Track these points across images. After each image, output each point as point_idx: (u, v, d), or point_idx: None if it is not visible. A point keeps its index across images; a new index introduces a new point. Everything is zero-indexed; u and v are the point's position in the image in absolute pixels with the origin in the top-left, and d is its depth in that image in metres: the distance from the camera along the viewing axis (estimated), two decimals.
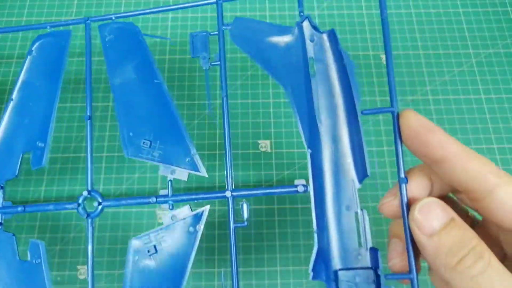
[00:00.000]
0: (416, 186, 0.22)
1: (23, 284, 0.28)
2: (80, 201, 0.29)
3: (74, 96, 0.45)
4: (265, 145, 0.42)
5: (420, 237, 0.20)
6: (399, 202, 0.22)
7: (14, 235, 0.29)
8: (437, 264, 0.20)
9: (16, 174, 0.30)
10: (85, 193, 0.29)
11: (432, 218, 0.20)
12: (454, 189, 0.22)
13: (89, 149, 0.30)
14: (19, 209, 0.29)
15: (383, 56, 0.45)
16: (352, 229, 0.24)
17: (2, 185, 0.31)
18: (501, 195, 0.19)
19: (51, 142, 0.30)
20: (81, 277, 0.37)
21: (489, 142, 0.41)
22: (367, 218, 0.24)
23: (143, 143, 0.29)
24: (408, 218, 0.21)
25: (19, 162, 0.30)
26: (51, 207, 0.29)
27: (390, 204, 0.22)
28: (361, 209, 0.24)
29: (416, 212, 0.20)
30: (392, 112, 0.23)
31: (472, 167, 0.20)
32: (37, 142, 0.30)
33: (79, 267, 0.37)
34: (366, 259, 0.23)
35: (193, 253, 0.27)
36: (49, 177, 0.41)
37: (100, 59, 0.40)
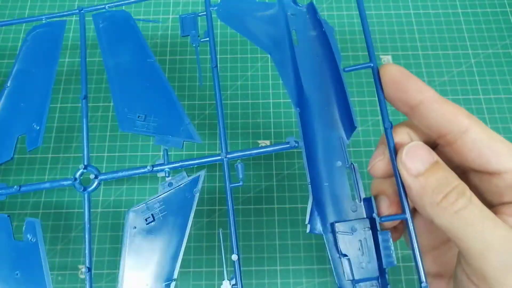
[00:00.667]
0: (400, 139, 0.23)
1: (18, 264, 0.28)
2: (76, 175, 0.29)
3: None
4: (265, 145, 0.42)
5: (407, 178, 0.21)
6: (388, 160, 0.23)
7: (9, 216, 0.29)
8: (423, 203, 0.21)
9: (12, 156, 0.30)
10: (81, 167, 0.29)
11: (418, 160, 0.21)
12: (433, 145, 0.23)
13: (85, 126, 0.30)
14: (14, 189, 0.29)
15: (383, 57, 0.46)
16: (344, 183, 0.25)
17: None
18: (473, 135, 0.21)
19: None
20: (82, 276, 0.37)
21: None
22: (358, 172, 0.24)
23: (138, 117, 0.29)
24: (396, 161, 0.22)
25: (14, 144, 0.30)
26: (47, 185, 0.29)
27: (381, 163, 0.23)
28: (352, 163, 0.25)
29: (404, 155, 0.22)
30: (372, 67, 0.24)
31: (446, 110, 0.21)
32: (33, 124, 0.30)
33: (80, 266, 0.38)
34: (361, 211, 0.24)
35: (191, 217, 0.27)
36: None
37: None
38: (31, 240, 0.28)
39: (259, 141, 0.42)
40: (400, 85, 0.22)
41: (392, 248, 0.23)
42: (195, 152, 0.42)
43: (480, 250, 0.19)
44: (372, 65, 0.25)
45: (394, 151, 0.23)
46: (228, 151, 0.28)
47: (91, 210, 0.28)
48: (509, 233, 0.19)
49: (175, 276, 0.26)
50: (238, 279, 0.25)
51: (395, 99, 0.23)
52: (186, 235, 0.27)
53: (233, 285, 0.25)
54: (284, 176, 0.41)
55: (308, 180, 0.25)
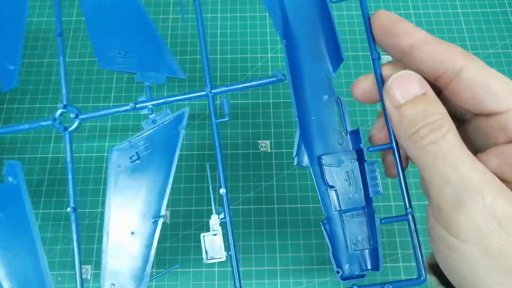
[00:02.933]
0: (392, 70, 0.22)
1: (1, 206, 0.27)
2: (56, 115, 0.28)
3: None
4: (265, 145, 0.42)
5: (389, 107, 0.21)
6: (372, 81, 0.23)
7: None
8: (398, 133, 0.21)
9: None
10: (61, 107, 0.28)
11: (402, 90, 0.21)
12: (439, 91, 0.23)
13: (62, 65, 0.28)
14: None
15: (383, 57, 0.46)
16: (331, 117, 0.25)
17: None
18: (467, 74, 0.20)
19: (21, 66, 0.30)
20: (82, 276, 0.37)
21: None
22: (345, 104, 0.24)
23: (118, 54, 0.28)
24: (384, 88, 0.22)
25: None
26: (25, 126, 0.28)
27: (363, 83, 0.23)
28: (338, 97, 0.25)
29: (388, 83, 0.21)
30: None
31: (439, 50, 0.20)
32: (7, 64, 0.29)
33: None
34: (347, 144, 0.25)
35: (177, 154, 0.27)
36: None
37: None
38: (12, 182, 0.27)
39: (259, 141, 0.42)
40: (389, 30, 0.22)
41: (379, 178, 0.23)
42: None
43: (438, 185, 0.19)
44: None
45: (381, 81, 0.23)
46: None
47: (72, 150, 0.27)
48: (473, 172, 0.19)
49: (163, 213, 0.26)
50: (227, 212, 0.25)
51: (386, 45, 0.22)
52: (172, 172, 0.26)
53: (221, 219, 0.25)
54: (284, 176, 0.41)
55: (295, 113, 0.25)
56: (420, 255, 0.22)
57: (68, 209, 0.26)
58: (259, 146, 0.42)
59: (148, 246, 0.27)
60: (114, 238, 0.27)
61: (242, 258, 0.38)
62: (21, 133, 0.42)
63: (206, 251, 0.25)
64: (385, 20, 0.22)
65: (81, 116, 0.28)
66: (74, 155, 0.27)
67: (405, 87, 0.21)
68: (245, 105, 0.44)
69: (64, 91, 0.28)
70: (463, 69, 0.20)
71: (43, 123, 0.28)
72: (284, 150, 0.41)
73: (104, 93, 0.43)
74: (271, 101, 0.44)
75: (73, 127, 0.28)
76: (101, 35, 0.29)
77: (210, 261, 0.25)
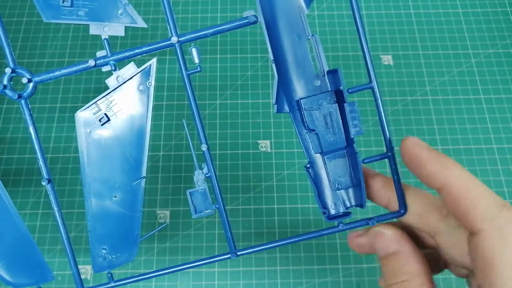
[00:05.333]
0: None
1: None
2: (5, 82, 0.24)
3: None
4: (265, 145, 0.42)
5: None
6: (366, 240, 0.24)
7: None
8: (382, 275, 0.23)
9: None
10: (8, 71, 0.24)
11: (381, 244, 0.23)
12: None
13: None
14: None
15: (383, 56, 0.46)
16: (306, 57, 0.24)
17: None
18: (483, 243, 0.19)
19: None
20: (82, 276, 0.37)
21: (488, 142, 0.41)
22: (320, 43, 0.23)
23: (63, 2, 0.24)
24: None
25: None
26: None
27: (358, 240, 0.24)
28: (312, 35, 0.24)
29: (370, 234, 0.23)
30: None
31: (461, 209, 0.20)
32: None
33: (80, 266, 0.37)
34: (325, 84, 0.24)
35: (150, 111, 0.25)
36: None
37: None
38: None
39: (259, 141, 0.42)
40: (417, 162, 0.22)
41: (360, 118, 0.23)
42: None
43: None
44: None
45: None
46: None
47: (33, 118, 0.25)
48: None
49: (144, 173, 0.25)
50: (210, 167, 0.25)
51: (413, 172, 0.23)
52: (147, 130, 0.25)
53: (205, 174, 0.25)
54: (284, 176, 0.41)
55: (271, 58, 0.24)
56: (400, 190, 0.23)
57: (43, 183, 0.25)
58: (259, 146, 0.42)
59: (134, 208, 0.26)
60: (97, 203, 0.26)
61: (242, 258, 0.38)
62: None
63: (194, 207, 0.25)
64: (410, 158, 0.22)
65: (35, 79, 0.25)
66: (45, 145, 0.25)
67: (380, 243, 0.23)
68: (245, 105, 0.43)
69: (7, 50, 0.24)
70: (478, 235, 0.19)
71: None
72: (284, 150, 0.41)
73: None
74: (271, 101, 0.44)
75: (27, 92, 0.25)
76: None
77: (198, 216, 0.25)
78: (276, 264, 0.38)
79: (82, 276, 0.37)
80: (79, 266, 0.37)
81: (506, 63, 0.45)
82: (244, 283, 0.37)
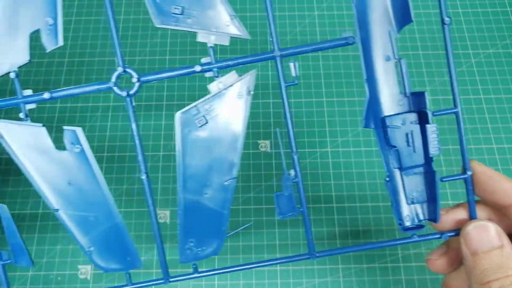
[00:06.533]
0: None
1: (69, 174, 0.26)
2: (113, 79, 0.26)
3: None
4: (265, 145, 0.42)
5: (465, 251, 0.23)
6: (444, 261, 0.26)
7: (44, 125, 0.26)
8: (470, 277, 0.22)
9: (29, 58, 0.26)
10: (120, 70, 0.26)
11: (479, 240, 0.23)
12: None
13: (112, 21, 0.26)
14: (45, 96, 0.26)
15: None
16: (393, 78, 0.26)
17: (16, 71, 0.26)
18: None
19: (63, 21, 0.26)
20: (82, 276, 0.37)
21: (489, 142, 0.41)
22: (406, 66, 0.25)
23: (175, 8, 0.26)
24: (461, 231, 0.24)
25: (28, 44, 0.26)
26: (81, 89, 0.26)
27: (438, 264, 0.26)
28: (400, 58, 0.26)
29: (469, 228, 0.23)
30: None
31: None
32: (45, 18, 0.26)
33: (80, 266, 0.38)
34: (408, 105, 0.26)
35: (246, 117, 0.26)
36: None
37: None
38: (75, 149, 0.26)
39: (259, 141, 0.42)
40: (485, 187, 0.24)
41: (438, 139, 0.25)
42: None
43: None
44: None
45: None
46: None
47: (136, 115, 0.26)
48: None
49: (235, 174, 0.27)
50: (298, 173, 0.27)
51: (483, 198, 0.24)
52: (241, 136, 0.27)
53: (293, 179, 0.27)
54: None
55: (365, 77, 0.26)
56: (473, 209, 0.25)
57: (143, 177, 0.27)
58: (259, 146, 0.42)
59: (223, 206, 0.27)
60: (189, 198, 0.27)
61: (242, 259, 0.38)
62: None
63: (279, 209, 0.27)
64: (481, 177, 0.24)
65: (142, 79, 0.26)
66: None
67: (483, 237, 0.23)
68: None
69: (118, 52, 0.26)
70: None
71: (101, 86, 0.26)
72: (284, 150, 0.41)
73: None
74: (271, 101, 0.44)
75: (133, 91, 0.26)
76: None
77: (282, 217, 0.27)
78: (276, 264, 0.38)
79: (82, 276, 0.37)
80: (79, 266, 0.38)
81: (506, 63, 0.45)
82: (244, 283, 0.37)
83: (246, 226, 0.37)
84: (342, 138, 0.42)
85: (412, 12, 0.25)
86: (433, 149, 0.25)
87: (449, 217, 0.26)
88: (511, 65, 0.45)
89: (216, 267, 0.29)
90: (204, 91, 0.26)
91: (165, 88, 0.44)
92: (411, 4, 0.25)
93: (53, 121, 0.42)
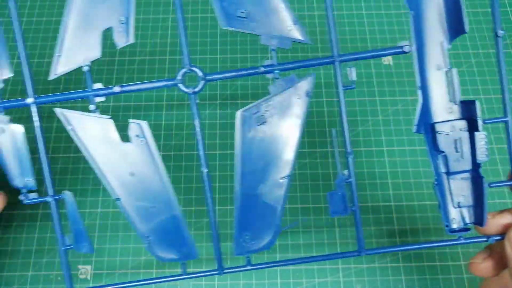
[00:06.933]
0: None
1: (132, 165, 0.28)
2: (179, 76, 0.27)
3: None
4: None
5: (510, 255, 0.24)
6: (488, 264, 0.27)
7: (111, 117, 0.27)
8: None
9: (100, 54, 0.27)
10: (187, 67, 0.27)
11: None
12: None
13: (181, 22, 0.27)
14: (115, 89, 0.27)
15: (383, 58, 0.46)
16: (444, 87, 0.27)
17: (88, 65, 0.27)
18: None
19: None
20: (82, 276, 0.37)
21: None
22: (456, 75, 0.27)
23: (240, 12, 0.27)
24: (506, 235, 0.25)
25: (100, 40, 0.27)
26: (148, 85, 0.27)
27: (478, 265, 0.27)
28: (450, 68, 0.27)
29: None
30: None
31: None
32: (119, 17, 0.27)
33: (80, 266, 0.38)
34: (457, 112, 0.27)
35: (304, 118, 0.27)
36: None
37: None
38: (140, 140, 0.27)
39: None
40: None
41: (487, 146, 0.26)
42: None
43: None
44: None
45: None
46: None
47: (199, 112, 0.27)
48: None
49: (290, 172, 0.28)
50: (352, 173, 0.28)
51: None
52: (298, 137, 0.27)
53: (346, 179, 0.28)
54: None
55: (419, 84, 0.27)
56: None
57: (205, 171, 0.28)
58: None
59: (278, 202, 0.28)
60: (246, 193, 0.28)
61: (241, 258, 0.38)
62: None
63: (332, 207, 0.28)
64: None
65: (208, 77, 0.27)
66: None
67: None
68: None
69: (185, 50, 0.27)
70: None
71: (168, 83, 0.27)
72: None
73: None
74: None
75: (198, 88, 0.27)
76: None
77: (335, 216, 0.28)
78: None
79: (82, 276, 0.37)
80: (79, 266, 0.38)
81: (506, 63, 0.44)
82: (244, 283, 0.37)
83: (293, 224, 0.38)
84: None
85: (467, 23, 0.26)
86: (481, 156, 0.26)
87: (495, 222, 0.26)
88: (511, 65, 0.45)
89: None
90: (265, 91, 0.28)
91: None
92: (465, 16, 0.26)
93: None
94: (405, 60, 0.45)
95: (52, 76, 0.27)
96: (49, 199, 0.28)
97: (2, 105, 0.27)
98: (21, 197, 0.28)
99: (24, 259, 0.38)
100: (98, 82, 0.28)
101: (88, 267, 0.38)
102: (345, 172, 0.28)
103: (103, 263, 0.38)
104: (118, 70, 0.45)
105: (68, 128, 0.27)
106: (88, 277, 0.37)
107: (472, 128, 0.26)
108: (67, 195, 0.28)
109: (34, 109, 0.27)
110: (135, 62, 0.45)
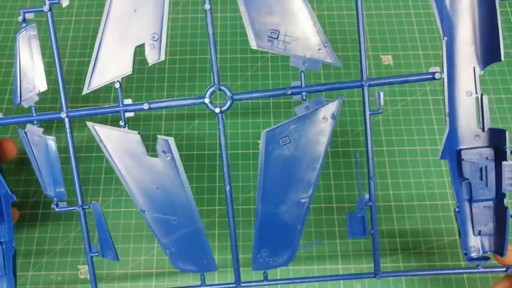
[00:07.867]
0: None
1: (158, 180, 0.28)
2: (207, 95, 0.28)
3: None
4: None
5: None
6: None
7: (139, 133, 0.28)
8: None
9: (131, 70, 0.28)
10: (216, 86, 0.28)
11: None
12: None
13: (211, 41, 0.27)
14: (144, 106, 0.28)
15: (383, 57, 0.46)
16: (472, 113, 0.26)
17: (119, 81, 0.28)
18: None
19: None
20: (82, 276, 0.37)
21: None
22: (486, 102, 0.26)
23: (271, 32, 0.27)
24: None
25: (132, 57, 0.28)
26: (178, 102, 0.28)
27: None
28: (482, 94, 0.26)
29: None
30: None
31: None
32: (151, 34, 0.28)
33: (79, 266, 0.38)
34: (484, 140, 0.26)
35: (329, 140, 0.28)
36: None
37: None
38: (166, 156, 0.28)
39: (259, 141, 0.42)
40: None
41: None
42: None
43: None
44: None
45: None
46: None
47: (225, 130, 0.28)
48: None
49: (312, 194, 0.28)
50: (373, 198, 0.28)
51: None
52: (321, 158, 0.28)
53: (366, 202, 0.28)
54: None
55: (447, 110, 0.26)
56: None
57: (227, 188, 0.29)
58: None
59: (297, 221, 0.29)
60: (266, 211, 0.29)
61: (242, 258, 0.38)
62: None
63: (350, 229, 0.28)
64: None
65: (235, 97, 0.28)
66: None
67: None
68: (245, 105, 0.43)
69: (215, 70, 0.28)
70: None
71: (196, 101, 0.28)
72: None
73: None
74: (271, 101, 0.44)
75: (225, 107, 0.28)
76: (256, 12, 0.27)
77: (353, 237, 0.29)
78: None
79: (82, 276, 0.37)
80: (79, 266, 0.38)
81: (506, 63, 0.45)
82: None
83: (317, 242, 0.37)
84: (386, 137, 0.42)
85: (503, 51, 0.25)
86: (507, 186, 0.26)
87: None
88: (511, 65, 0.45)
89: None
90: (286, 99, 0.29)
91: (164, 88, 0.44)
92: (502, 44, 0.25)
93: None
94: (405, 60, 0.45)
95: (85, 91, 0.28)
96: (78, 208, 0.29)
97: (37, 117, 0.28)
98: (52, 206, 0.29)
99: (24, 259, 0.38)
100: (128, 98, 0.29)
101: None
102: (366, 195, 0.28)
103: (103, 263, 0.38)
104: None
105: (98, 140, 0.28)
106: (88, 277, 0.37)
107: (499, 156, 0.26)
108: (95, 205, 0.29)
109: (67, 123, 0.28)
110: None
